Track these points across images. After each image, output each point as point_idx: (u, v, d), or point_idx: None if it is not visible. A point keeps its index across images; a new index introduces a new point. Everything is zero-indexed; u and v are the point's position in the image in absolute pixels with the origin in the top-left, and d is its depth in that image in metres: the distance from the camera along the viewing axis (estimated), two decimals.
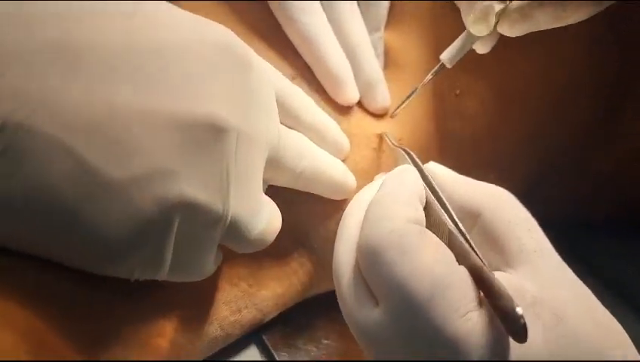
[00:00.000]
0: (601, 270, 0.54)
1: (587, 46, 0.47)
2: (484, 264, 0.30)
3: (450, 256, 0.31)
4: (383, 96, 0.44)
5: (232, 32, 0.35)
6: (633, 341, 0.32)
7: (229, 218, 0.32)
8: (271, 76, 0.37)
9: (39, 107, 0.28)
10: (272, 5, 0.43)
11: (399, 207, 0.32)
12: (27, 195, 0.28)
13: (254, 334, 0.43)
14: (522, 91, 0.47)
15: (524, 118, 0.48)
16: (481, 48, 0.41)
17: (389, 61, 0.47)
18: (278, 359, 0.42)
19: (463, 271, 0.30)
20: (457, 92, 0.46)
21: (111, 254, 0.30)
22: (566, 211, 0.55)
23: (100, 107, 0.29)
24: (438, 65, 0.41)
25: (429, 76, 0.41)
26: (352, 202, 0.36)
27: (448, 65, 0.40)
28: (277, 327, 0.43)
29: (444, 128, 0.45)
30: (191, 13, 0.34)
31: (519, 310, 0.27)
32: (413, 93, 0.42)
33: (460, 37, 0.40)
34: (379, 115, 0.44)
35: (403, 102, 0.42)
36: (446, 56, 0.40)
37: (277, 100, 0.37)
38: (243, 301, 0.40)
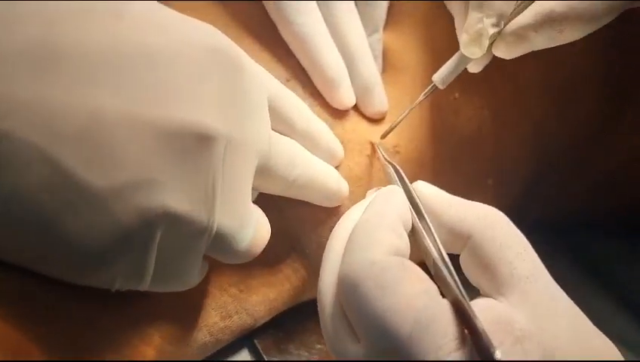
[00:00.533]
0: (601, 270, 0.54)
1: (587, 48, 0.46)
2: (466, 298, 0.29)
3: (433, 289, 0.30)
4: (380, 100, 0.43)
5: (223, 34, 0.34)
6: (633, 342, 0.31)
7: (215, 229, 0.32)
8: (263, 79, 0.36)
9: (17, 111, 0.27)
10: (267, 5, 0.42)
11: (382, 235, 0.31)
12: (4, 203, 0.27)
13: (246, 338, 0.42)
14: (521, 94, 0.47)
15: (523, 120, 0.47)
16: (474, 68, 0.40)
17: (387, 64, 0.46)
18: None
19: (445, 305, 0.29)
20: (456, 95, 0.45)
21: (91, 265, 0.30)
22: (566, 211, 0.55)
23: (82, 113, 0.28)
24: (430, 87, 0.40)
25: (421, 97, 0.41)
26: (340, 221, 0.35)
27: (441, 87, 0.40)
28: (269, 331, 0.43)
29: (442, 134, 0.45)
30: (180, 14, 0.33)
31: (498, 354, 0.26)
32: (405, 114, 0.41)
33: (452, 58, 0.39)
34: (375, 120, 0.43)
35: (395, 124, 0.41)
36: (438, 77, 0.40)
37: (269, 105, 0.36)
38: (233, 306, 0.40)
